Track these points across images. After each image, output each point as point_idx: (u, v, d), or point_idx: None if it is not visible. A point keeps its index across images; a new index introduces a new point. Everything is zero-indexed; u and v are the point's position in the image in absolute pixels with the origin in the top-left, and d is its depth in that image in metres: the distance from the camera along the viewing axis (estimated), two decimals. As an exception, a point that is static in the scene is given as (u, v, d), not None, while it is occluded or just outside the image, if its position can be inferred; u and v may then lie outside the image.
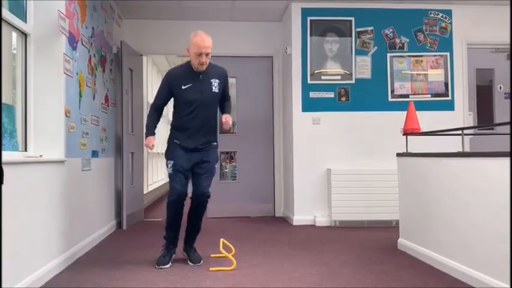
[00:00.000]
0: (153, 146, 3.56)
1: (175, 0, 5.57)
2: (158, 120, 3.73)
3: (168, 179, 3.65)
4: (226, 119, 3.63)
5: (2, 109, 3.08)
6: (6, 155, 3.01)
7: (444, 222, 3.36)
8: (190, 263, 3.57)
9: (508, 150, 2.63)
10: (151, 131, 3.63)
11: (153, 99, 3.76)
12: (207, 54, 3.47)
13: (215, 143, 3.69)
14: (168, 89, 3.60)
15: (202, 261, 3.58)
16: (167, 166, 3.60)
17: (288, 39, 5.91)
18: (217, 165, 3.72)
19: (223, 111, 3.77)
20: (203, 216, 3.71)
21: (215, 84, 3.59)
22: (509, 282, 2.54)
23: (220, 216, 6.11)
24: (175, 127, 3.64)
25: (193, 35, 3.51)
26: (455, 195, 3.20)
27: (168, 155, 3.62)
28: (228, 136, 6.26)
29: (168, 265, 3.52)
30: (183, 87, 3.53)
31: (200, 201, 3.60)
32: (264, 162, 6.38)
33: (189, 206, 3.63)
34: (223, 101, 3.76)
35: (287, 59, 5.96)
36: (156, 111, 3.69)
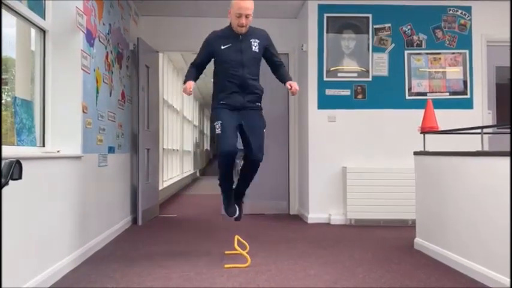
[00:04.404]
0: (190, 91, 3.53)
1: (192, -3, 5.59)
2: (197, 74, 3.71)
3: (216, 140, 3.60)
4: (291, 85, 3.60)
5: (21, 105, 3.13)
6: (25, 150, 3.06)
7: (462, 222, 3.31)
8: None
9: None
10: (189, 78, 3.62)
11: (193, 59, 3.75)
12: (246, 16, 3.50)
13: (259, 104, 3.68)
14: (208, 49, 3.63)
15: (237, 215, 3.71)
16: (215, 128, 3.54)
17: (304, 36, 5.88)
18: (265, 130, 3.66)
19: (282, 80, 3.74)
20: (254, 176, 3.71)
21: (255, 44, 3.61)
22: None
23: (234, 213, 6.11)
24: (218, 89, 3.63)
25: None
26: (473, 195, 3.16)
27: (215, 117, 3.58)
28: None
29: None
30: (223, 47, 3.57)
31: (252, 164, 3.61)
32: (279, 159, 6.36)
33: (242, 164, 3.66)
34: (275, 68, 3.76)
35: (303, 56, 5.93)
36: (194, 68, 3.69)
